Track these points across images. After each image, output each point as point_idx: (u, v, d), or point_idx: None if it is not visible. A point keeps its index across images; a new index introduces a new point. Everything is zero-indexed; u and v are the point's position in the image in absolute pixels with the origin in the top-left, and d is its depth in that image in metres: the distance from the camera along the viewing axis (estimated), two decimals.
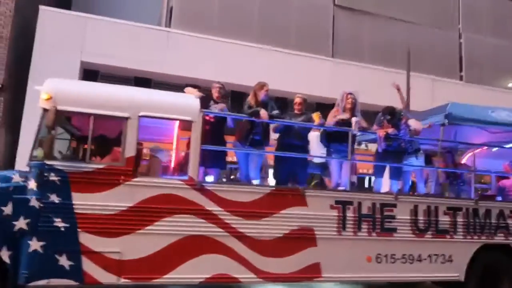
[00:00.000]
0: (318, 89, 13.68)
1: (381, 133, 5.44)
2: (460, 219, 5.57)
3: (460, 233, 5.54)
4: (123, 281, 4.17)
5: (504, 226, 5.80)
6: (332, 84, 13.57)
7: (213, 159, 4.83)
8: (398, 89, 5.95)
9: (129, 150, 4.32)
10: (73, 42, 12.17)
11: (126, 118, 4.32)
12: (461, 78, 17.25)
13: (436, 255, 5.39)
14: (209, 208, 4.51)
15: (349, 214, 5.04)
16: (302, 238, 4.81)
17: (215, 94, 4.97)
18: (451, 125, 5.66)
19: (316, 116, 5.23)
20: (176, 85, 12.50)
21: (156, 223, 4.32)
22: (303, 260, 4.79)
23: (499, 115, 6.24)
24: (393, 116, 5.72)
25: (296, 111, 5.42)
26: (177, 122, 4.81)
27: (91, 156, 4.35)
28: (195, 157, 4.53)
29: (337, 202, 5.02)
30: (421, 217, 5.37)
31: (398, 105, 6.37)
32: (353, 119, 5.19)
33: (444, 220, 5.49)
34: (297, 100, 5.45)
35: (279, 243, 4.72)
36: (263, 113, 4.76)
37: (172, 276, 4.34)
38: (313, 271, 4.82)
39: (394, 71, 14.35)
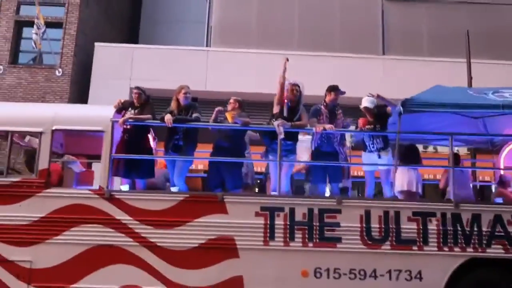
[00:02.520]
0: (370, 89, 12.71)
1: (318, 129, 4.76)
2: (432, 227, 4.53)
3: (433, 244, 4.50)
4: None
5: (504, 236, 4.53)
6: (385, 83, 12.52)
7: (135, 168, 4.78)
8: (379, 98, 5.13)
9: (42, 163, 4.54)
10: (122, 71, 13.43)
11: (40, 133, 4.57)
12: None
13: (398, 270, 4.45)
14: (119, 218, 4.46)
15: (279, 222, 4.48)
16: (221, 249, 4.42)
17: (134, 100, 4.94)
18: (410, 113, 4.67)
19: (228, 115, 4.84)
20: (219, 101, 12.90)
21: (66, 233, 4.42)
22: (222, 273, 4.39)
23: (501, 96, 5.02)
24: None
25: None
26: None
27: (9, 170, 4.67)
28: (105, 166, 4.56)
29: (263, 208, 4.51)
30: (375, 225, 4.51)
31: None
32: (275, 123, 4.65)
33: (409, 228, 4.52)
34: (230, 102, 5.14)
35: (195, 253, 4.42)
36: (167, 118, 4.58)
37: (81, 286, 4.36)
38: (234, 285, 4.38)
39: (459, 61, 12.63)
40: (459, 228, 4.53)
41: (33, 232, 4.41)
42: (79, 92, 13.45)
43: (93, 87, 13.20)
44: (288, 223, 4.49)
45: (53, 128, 4.58)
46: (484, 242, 4.51)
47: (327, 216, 4.51)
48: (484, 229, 4.54)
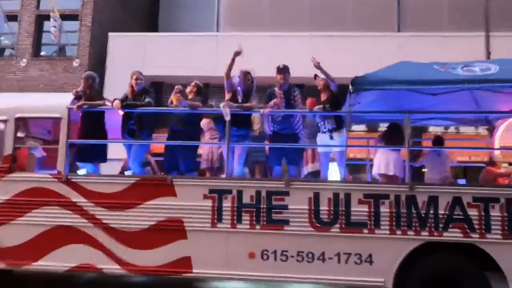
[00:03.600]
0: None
1: (266, 110, 4.66)
2: (385, 210, 4.35)
3: (385, 227, 4.33)
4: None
5: (463, 219, 4.27)
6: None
7: (90, 153, 4.96)
8: (319, 68, 4.92)
9: (7, 149, 4.83)
10: (135, 59, 13.76)
11: (5, 121, 4.85)
12: None
13: (347, 254, 4.34)
14: (75, 200, 4.67)
15: (226, 204, 4.50)
16: (170, 230, 4.52)
17: (82, 85, 5.06)
18: (361, 91, 4.43)
19: (174, 98, 4.83)
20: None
21: (28, 214, 4.70)
22: (171, 254, 4.50)
23: (470, 70, 4.67)
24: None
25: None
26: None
27: None
28: (62, 151, 4.77)
29: (211, 191, 4.54)
30: (324, 207, 4.40)
31: None
32: (221, 105, 4.60)
33: (359, 210, 4.37)
34: (190, 85, 5.17)
35: (146, 234, 4.55)
36: (115, 104, 4.68)
37: (42, 263, 4.64)
38: (182, 266, 4.47)
39: (481, 34, 11.83)
40: (413, 211, 4.32)
41: (0, 213, 4.73)
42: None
43: (108, 76, 13.67)
44: (236, 205, 4.49)
45: (16, 116, 4.85)
46: (441, 225, 4.27)
47: (275, 199, 4.46)
48: (441, 212, 4.29)
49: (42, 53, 14.52)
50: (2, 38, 14.39)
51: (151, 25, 17.77)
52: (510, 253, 4.17)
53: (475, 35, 11.39)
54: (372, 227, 4.34)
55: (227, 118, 4.58)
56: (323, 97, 5.04)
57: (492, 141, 6.30)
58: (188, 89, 5.16)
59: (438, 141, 6.20)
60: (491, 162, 5.95)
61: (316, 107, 4.93)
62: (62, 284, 5.70)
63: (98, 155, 4.99)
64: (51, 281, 5.72)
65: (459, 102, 5.84)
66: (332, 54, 12.39)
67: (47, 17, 14.18)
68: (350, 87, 4.44)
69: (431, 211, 4.31)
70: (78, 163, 5.09)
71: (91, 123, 4.92)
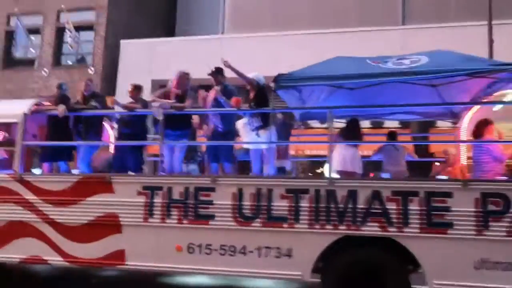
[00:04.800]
0: None
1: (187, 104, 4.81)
2: (305, 204, 4.40)
3: (304, 222, 4.38)
4: None
5: (381, 213, 4.23)
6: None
7: (55, 153, 5.39)
8: (229, 67, 5.05)
9: None
10: (143, 64, 14.42)
11: None
12: None
13: (267, 247, 4.43)
14: (27, 197, 5.10)
15: (157, 200, 4.74)
16: (107, 225, 4.83)
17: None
18: (284, 88, 4.49)
19: (108, 100, 5.11)
20: (236, 86, 13.31)
21: None
22: (107, 247, 4.80)
23: (400, 63, 4.61)
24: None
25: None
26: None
27: None
28: (18, 153, 5.23)
29: (145, 188, 4.80)
30: (247, 202, 4.52)
31: None
32: (153, 105, 4.83)
33: (281, 205, 4.44)
34: (128, 88, 5.47)
35: (86, 229, 4.89)
36: (59, 109, 5.06)
37: None
38: (116, 258, 4.77)
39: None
40: (333, 205, 4.34)
41: None
42: (110, 88, 14.73)
43: (120, 82, 14.41)
44: (166, 201, 4.72)
45: None
46: (359, 219, 4.26)
47: (202, 194, 4.64)
48: (360, 206, 4.28)
49: (62, 63, 15.56)
50: (26, 51, 15.52)
51: (168, 30, 18.35)
52: (427, 246, 4.09)
53: (480, 25, 10.88)
54: (292, 221, 4.41)
55: (159, 118, 4.83)
56: (251, 95, 5.16)
57: (457, 134, 6.08)
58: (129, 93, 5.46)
59: (393, 135, 6.09)
60: (446, 155, 5.75)
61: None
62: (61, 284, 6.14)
63: (63, 154, 5.41)
64: (50, 281, 6.21)
65: (422, 96, 5.75)
66: (337, 51, 12.32)
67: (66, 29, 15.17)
68: (272, 84, 4.54)
69: (350, 205, 4.30)
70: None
71: (55, 125, 5.34)
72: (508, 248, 3.95)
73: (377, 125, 11.78)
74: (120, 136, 5.26)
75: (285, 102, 5.46)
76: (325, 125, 8.13)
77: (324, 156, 6.34)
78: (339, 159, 5.78)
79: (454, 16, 12.52)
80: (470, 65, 4.20)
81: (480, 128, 4.77)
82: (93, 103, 5.17)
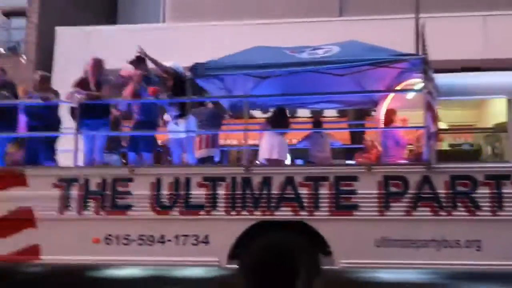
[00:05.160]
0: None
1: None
2: (221, 192, 4.49)
3: (220, 209, 4.47)
4: None
5: (294, 198, 4.41)
6: None
7: None
8: (146, 56, 5.03)
9: None
10: (82, 53, 13.82)
11: None
12: None
13: (185, 235, 4.49)
14: None
15: (74, 192, 4.64)
16: (20, 220, 4.67)
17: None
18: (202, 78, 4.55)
19: (20, 90, 4.96)
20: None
21: None
22: (21, 242, 4.65)
23: (314, 53, 4.78)
24: None
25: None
26: None
27: None
28: None
29: (60, 180, 4.68)
30: (165, 192, 4.55)
31: None
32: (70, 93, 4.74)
33: (198, 193, 4.51)
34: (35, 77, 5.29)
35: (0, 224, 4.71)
36: None
37: None
38: (31, 253, 4.63)
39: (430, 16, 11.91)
40: (248, 192, 4.46)
41: None
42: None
43: (56, 71, 13.74)
44: (83, 193, 4.64)
45: None
46: (273, 205, 4.42)
47: (120, 185, 4.60)
48: (274, 191, 4.43)
49: None
50: None
51: (109, 17, 17.69)
52: (336, 229, 4.32)
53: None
54: (209, 209, 4.49)
55: (75, 105, 4.71)
56: (169, 84, 5.16)
57: (376, 121, 6.42)
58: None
59: (318, 123, 6.33)
60: (365, 141, 6.09)
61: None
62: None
63: None
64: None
65: (344, 85, 5.98)
66: (280, 41, 12.46)
67: None
68: (189, 73, 4.56)
69: (265, 191, 4.44)
70: None
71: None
72: (406, 226, 4.26)
73: (317, 113, 12.17)
74: (30, 129, 5.07)
75: (208, 91, 5.52)
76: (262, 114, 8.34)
77: (256, 145, 6.50)
78: (267, 147, 5.93)
79: (391, 9, 13.00)
80: (373, 55, 4.45)
81: (389, 116, 5.07)
82: (4, 92, 4.94)
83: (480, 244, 4.21)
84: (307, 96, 5.82)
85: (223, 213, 4.47)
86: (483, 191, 4.23)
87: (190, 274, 6.02)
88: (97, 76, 5.02)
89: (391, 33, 11.87)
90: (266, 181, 4.45)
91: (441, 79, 4.39)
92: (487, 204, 4.22)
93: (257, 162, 5.97)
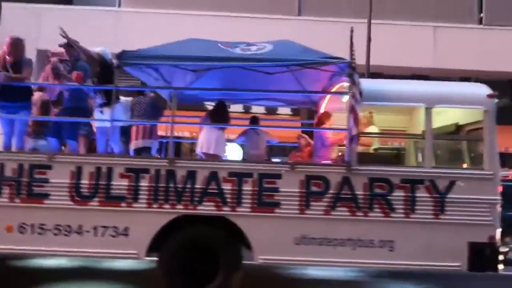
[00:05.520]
0: None
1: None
2: (144, 184, 4.41)
3: (142, 201, 4.40)
4: None
5: (217, 193, 4.40)
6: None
7: None
8: (66, 38, 4.87)
9: None
10: (31, 31, 13.16)
11: None
12: (480, 21, 13.72)
13: (104, 227, 4.38)
14: None
15: None
16: None
17: None
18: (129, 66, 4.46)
19: None
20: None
21: None
22: None
23: (247, 49, 4.77)
24: None
25: None
26: None
27: None
28: None
29: None
30: (85, 181, 4.41)
31: None
32: None
33: (120, 184, 4.41)
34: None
35: None
36: None
37: None
38: None
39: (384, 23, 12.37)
40: (171, 185, 4.41)
41: None
42: None
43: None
44: None
45: None
46: (196, 199, 4.39)
47: (37, 172, 4.42)
48: (198, 186, 4.41)
49: None
50: None
51: None
52: (257, 225, 4.36)
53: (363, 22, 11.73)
54: (131, 200, 4.40)
55: None
56: (95, 70, 5.01)
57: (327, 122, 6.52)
58: None
59: (255, 120, 6.36)
60: (299, 140, 6.18)
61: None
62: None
63: None
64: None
65: (282, 83, 6.00)
66: (234, 36, 12.39)
67: None
68: (116, 61, 4.43)
69: (188, 185, 4.41)
70: None
71: None
72: (324, 225, 4.37)
73: (272, 112, 12.25)
74: None
75: (142, 81, 5.40)
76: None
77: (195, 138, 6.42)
78: (204, 141, 5.89)
79: (349, 12, 13.26)
80: (303, 56, 4.51)
81: (321, 118, 5.16)
82: None
83: (393, 244, 4.38)
84: (243, 92, 5.81)
85: (145, 205, 4.39)
86: (398, 194, 4.40)
87: (123, 266, 5.91)
88: (15, 56, 4.75)
89: (346, 36, 12.23)
90: (191, 175, 4.42)
91: (367, 84, 4.51)
92: (401, 206, 4.40)
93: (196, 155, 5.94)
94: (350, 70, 4.34)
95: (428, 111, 4.49)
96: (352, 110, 4.33)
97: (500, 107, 10.67)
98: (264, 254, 4.35)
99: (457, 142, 5.48)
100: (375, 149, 5.48)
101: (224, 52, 4.66)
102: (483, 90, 4.68)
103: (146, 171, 4.43)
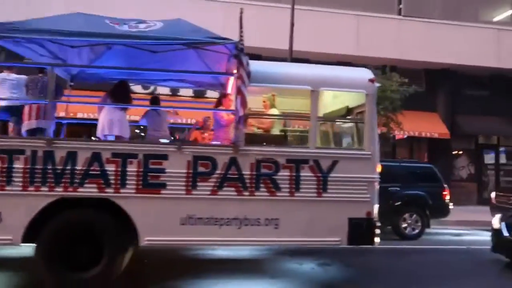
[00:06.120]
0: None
1: None
2: (19, 166, 4.14)
3: (17, 184, 4.14)
4: None
5: (100, 175, 4.26)
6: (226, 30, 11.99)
7: None
8: None
9: None
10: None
11: None
12: (399, 12, 14.42)
13: None
14: None
15: None
16: None
17: None
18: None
19: None
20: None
21: None
22: None
23: (136, 26, 4.58)
24: None
25: None
26: None
27: None
28: None
29: None
30: None
31: None
32: None
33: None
34: None
35: None
36: None
37: None
38: None
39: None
40: (50, 167, 4.19)
41: None
42: None
43: None
44: None
45: None
46: (77, 181, 4.21)
47: None
48: (78, 167, 4.22)
49: None
50: None
51: None
52: (142, 207, 4.29)
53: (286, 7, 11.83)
54: (3, 184, 4.11)
55: None
56: None
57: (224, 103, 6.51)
58: None
59: (155, 101, 6.22)
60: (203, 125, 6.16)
61: None
62: None
63: None
64: None
65: (189, 64, 5.87)
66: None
67: None
68: None
69: (69, 167, 4.21)
70: None
71: None
72: (211, 205, 4.39)
73: (199, 95, 12.07)
74: None
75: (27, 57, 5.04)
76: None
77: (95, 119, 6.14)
78: (106, 122, 5.65)
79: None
80: (192, 36, 4.43)
81: (219, 99, 5.15)
82: None
83: (278, 222, 4.52)
84: (149, 72, 5.64)
85: (20, 188, 4.13)
86: (284, 174, 4.53)
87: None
88: None
89: (270, 21, 12.29)
90: (71, 156, 4.22)
91: (255, 66, 4.54)
92: (287, 186, 4.54)
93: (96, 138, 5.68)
94: (237, 51, 4.34)
95: (313, 93, 4.62)
96: (239, 92, 4.35)
97: (411, 93, 11.49)
98: (149, 236, 4.30)
99: (348, 124, 5.73)
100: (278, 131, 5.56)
101: (108, 29, 4.44)
102: (365, 74, 4.90)
103: (21, 152, 4.15)
